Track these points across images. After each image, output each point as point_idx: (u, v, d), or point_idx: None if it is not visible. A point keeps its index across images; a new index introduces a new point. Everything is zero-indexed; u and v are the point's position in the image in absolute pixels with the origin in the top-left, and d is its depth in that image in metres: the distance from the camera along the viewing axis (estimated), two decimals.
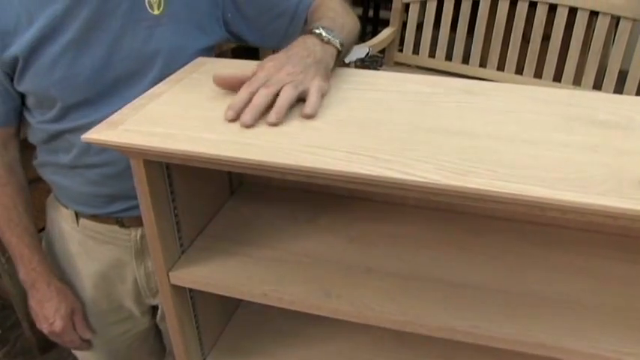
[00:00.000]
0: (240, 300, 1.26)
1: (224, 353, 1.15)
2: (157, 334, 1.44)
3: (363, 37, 4.60)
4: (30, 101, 1.07)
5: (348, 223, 1.05)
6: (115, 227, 1.19)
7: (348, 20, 1.03)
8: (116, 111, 0.97)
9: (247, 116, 0.79)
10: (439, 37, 2.79)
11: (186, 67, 1.01)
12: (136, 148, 0.78)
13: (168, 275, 0.95)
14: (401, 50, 2.90)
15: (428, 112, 0.84)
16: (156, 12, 1.03)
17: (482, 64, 2.72)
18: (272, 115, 0.80)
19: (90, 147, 1.06)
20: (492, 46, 2.66)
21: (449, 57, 2.78)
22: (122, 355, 1.37)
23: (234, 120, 0.81)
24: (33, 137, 1.14)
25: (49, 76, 1.00)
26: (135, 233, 1.20)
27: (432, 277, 0.93)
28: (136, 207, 1.06)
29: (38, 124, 1.09)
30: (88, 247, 1.22)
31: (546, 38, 2.56)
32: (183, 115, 0.84)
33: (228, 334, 1.19)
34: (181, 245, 0.99)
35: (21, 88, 1.04)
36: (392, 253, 0.98)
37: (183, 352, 1.05)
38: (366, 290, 0.91)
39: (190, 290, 1.03)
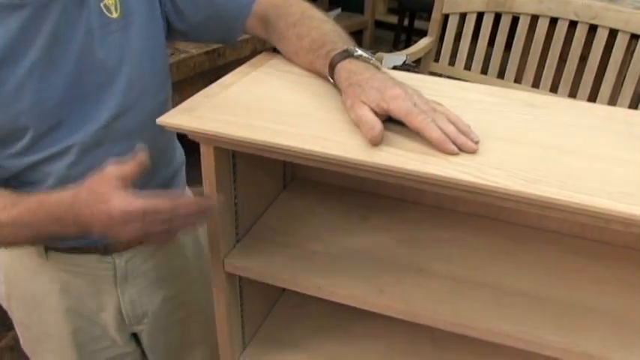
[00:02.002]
0: (282, 293, 1.29)
1: (264, 344, 1.17)
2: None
3: (396, 45, 4.63)
4: None
5: (399, 224, 1.08)
6: (95, 256, 1.12)
7: (329, 22, 0.98)
8: (91, 131, 0.95)
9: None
10: (476, 50, 2.81)
11: (252, 61, 1.04)
12: (212, 135, 0.81)
13: (223, 262, 0.98)
14: (437, 60, 2.92)
15: (494, 121, 0.87)
16: (115, 15, 0.95)
17: (518, 80, 2.74)
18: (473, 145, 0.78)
19: (70, 173, 0.96)
20: (529, 63, 2.68)
21: (484, 71, 2.80)
22: None
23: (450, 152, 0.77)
24: None
25: (16, 104, 0.89)
26: (119, 260, 1.14)
27: (482, 282, 0.95)
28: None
29: (4, 160, 0.94)
30: (62, 282, 1.13)
31: (583, 58, 2.58)
32: (256, 106, 0.87)
33: (269, 326, 1.21)
34: (237, 234, 1.01)
35: None
36: (442, 256, 1.00)
37: (227, 340, 1.07)
38: (418, 290, 0.93)
39: (240, 279, 1.06)
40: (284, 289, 1.29)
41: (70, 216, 0.82)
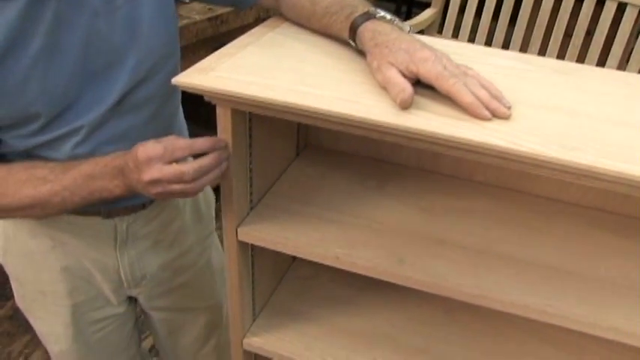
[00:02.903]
0: (291, 263, 1.26)
1: (274, 314, 1.15)
2: (135, 323, 1.37)
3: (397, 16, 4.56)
4: (3, 123, 0.91)
5: (417, 193, 1.05)
6: (98, 219, 1.09)
7: None
8: (101, 110, 0.94)
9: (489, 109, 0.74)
10: (480, 23, 2.76)
11: (267, 23, 1.00)
12: (232, 96, 0.77)
13: (236, 231, 0.95)
14: (440, 32, 2.87)
15: (524, 88, 0.83)
16: None
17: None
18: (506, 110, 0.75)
19: (74, 152, 0.96)
20: (533, 37, 2.63)
21: (488, 43, 2.75)
22: (99, 342, 1.27)
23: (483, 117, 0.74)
24: (3, 148, 0.97)
25: (25, 93, 0.87)
26: (120, 223, 1.12)
27: (504, 254, 0.92)
28: (129, 197, 0.97)
29: (13, 139, 0.94)
30: (61, 242, 1.11)
31: (589, 33, 2.54)
32: (276, 67, 0.83)
33: (279, 296, 1.19)
34: (251, 202, 0.98)
35: None
36: (463, 227, 0.97)
37: (238, 309, 1.04)
38: (439, 261, 0.90)
39: (252, 249, 1.03)
40: (294, 259, 1.27)
41: (120, 167, 0.87)
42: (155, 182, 0.83)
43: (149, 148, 0.83)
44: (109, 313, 1.25)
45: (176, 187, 0.82)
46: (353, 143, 1.14)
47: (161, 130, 1.05)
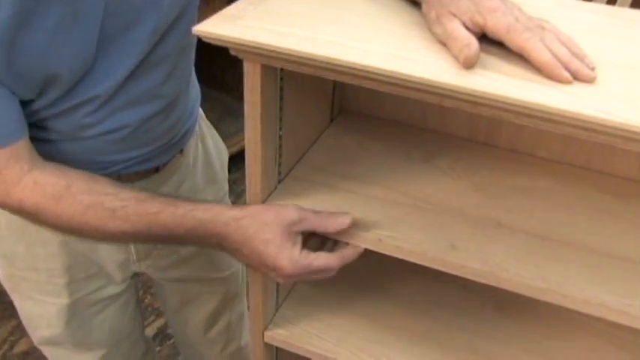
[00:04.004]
0: (321, 245, 1.23)
1: (300, 303, 1.13)
2: (137, 304, 1.37)
3: None
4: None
5: (470, 168, 1.01)
6: None
7: None
8: (118, 78, 0.94)
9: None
10: None
11: None
12: (263, 49, 0.74)
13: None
14: None
15: (610, 46, 0.78)
16: None
17: None
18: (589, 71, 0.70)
19: (84, 121, 0.96)
20: None
21: None
22: (98, 326, 1.27)
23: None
24: None
25: (45, 63, 0.86)
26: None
27: (572, 241, 0.88)
28: (142, 161, 1.01)
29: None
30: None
31: None
32: (313, 16, 0.79)
33: (305, 283, 1.16)
34: (279, 173, 0.95)
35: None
36: (524, 208, 0.94)
37: (259, 296, 1.02)
38: (497, 247, 0.87)
39: None
40: (322, 242, 1.24)
41: (217, 240, 0.89)
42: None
43: (299, 268, 0.87)
44: (111, 293, 1.23)
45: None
46: (395, 109, 1.11)
47: (175, 90, 1.05)
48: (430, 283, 1.16)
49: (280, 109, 0.89)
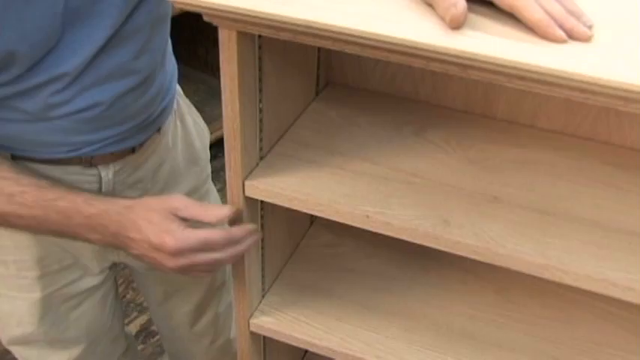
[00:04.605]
0: (308, 228, 1.24)
1: (287, 289, 1.13)
2: (116, 296, 1.37)
3: None
4: None
5: (464, 141, 1.01)
6: (78, 168, 1.08)
7: None
8: (83, 55, 0.94)
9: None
10: None
11: None
12: (238, 13, 0.73)
13: (243, 184, 0.92)
14: None
15: (610, 3, 0.78)
16: None
17: None
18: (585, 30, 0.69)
19: (50, 100, 0.96)
20: None
21: None
22: (75, 323, 1.26)
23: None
24: None
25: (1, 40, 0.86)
26: (106, 172, 1.11)
27: (574, 216, 0.89)
28: (117, 141, 1.03)
29: None
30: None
31: None
32: None
33: (293, 268, 1.17)
34: (261, 149, 0.95)
35: None
36: (522, 181, 0.94)
37: (244, 282, 1.02)
38: (493, 222, 0.87)
39: (261, 209, 1.00)
40: (311, 224, 1.24)
41: (112, 230, 0.96)
42: (185, 269, 0.94)
43: (180, 241, 0.91)
44: (88, 285, 1.23)
45: (206, 267, 0.96)
46: (384, 81, 1.11)
47: (150, 65, 1.05)
48: (427, 267, 1.16)
49: (260, 79, 0.88)
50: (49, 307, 1.20)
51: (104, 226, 0.96)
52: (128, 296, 2.25)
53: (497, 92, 1.04)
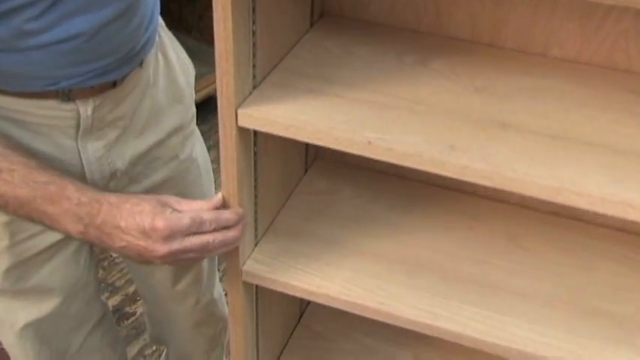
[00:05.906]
0: (303, 175, 1.28)
1: (282, 236, 1.18)
2: (91, 252, 1.42)
3: None
4: None
5: (471, 70, 1.06)
6: (54, 102, 1.12)
7: None
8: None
9: None
10: None
11: None
12: None
13: (236, 113, 0.96)
14: None
15: None
16: None
17: None
18: None
19: (25, 27, 1.00)
20: None
21: None
22: (46, 279, 1.30)
23: None
24: None
25: None
26: (84, 107, 1.15)
27: (589, 140, 0.94)
28: (98, 74, 1.07)
29: None
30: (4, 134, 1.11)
31: None
32: None
33: (288, 214, 1.22)
34: (254, 77, 0.99)
35: None
36: (533, 108, 0.98)
37: None
38: (501, 146, 0.92)
39: (255, 144, 1.04)
40: (305, 171, 1.28)
41: (100, 220, 1.00)
42: (175, 254, 0.97)
43: (172, 221, 0.96)
44: (57, 237, 1.25)
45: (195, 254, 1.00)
46: (383, 11, 1.15)
47: None
48: (430, 214, 1.21)
49: (253, 8, 0.92)
50: (16, 264, 1.24)
51: (92, 216, 1.00)
52: (99, 275, 2.29)
53: (505, 20, 1.09)
